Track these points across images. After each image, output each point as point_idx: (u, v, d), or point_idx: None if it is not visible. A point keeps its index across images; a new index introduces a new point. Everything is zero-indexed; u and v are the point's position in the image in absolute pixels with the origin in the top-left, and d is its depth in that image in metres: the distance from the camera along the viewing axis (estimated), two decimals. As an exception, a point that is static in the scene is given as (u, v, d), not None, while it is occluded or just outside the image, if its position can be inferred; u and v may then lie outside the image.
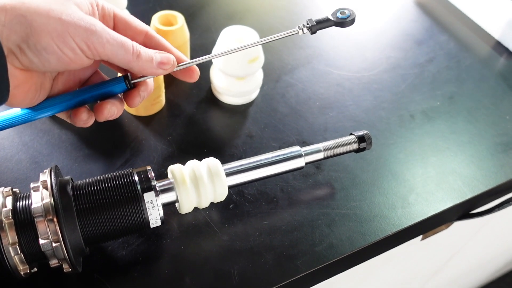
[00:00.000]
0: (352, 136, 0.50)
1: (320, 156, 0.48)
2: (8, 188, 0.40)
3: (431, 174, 0.55)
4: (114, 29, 0.41)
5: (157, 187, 0.42)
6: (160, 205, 0.41)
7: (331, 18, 0.42)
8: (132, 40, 0.39)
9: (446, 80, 0.68)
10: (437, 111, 0.63)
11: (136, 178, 0.41)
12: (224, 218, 0.49)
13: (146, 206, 0.41)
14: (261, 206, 0.50)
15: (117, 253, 0.45)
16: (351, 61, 0.68)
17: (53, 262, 0.38)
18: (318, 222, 0.49)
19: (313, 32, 0.42)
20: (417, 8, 0.80)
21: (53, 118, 0.56)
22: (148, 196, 0.41)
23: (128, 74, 0.42)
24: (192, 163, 0.44)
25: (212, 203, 0.49)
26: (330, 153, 0.49)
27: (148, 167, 0.43)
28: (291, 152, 0.47)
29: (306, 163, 0.48)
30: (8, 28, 0.34)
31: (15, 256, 0.37)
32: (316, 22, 0.42)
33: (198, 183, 0.43)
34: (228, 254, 0.46)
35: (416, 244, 0.65)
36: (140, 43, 0.40)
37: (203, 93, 0.61)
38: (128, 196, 0.40)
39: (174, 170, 0.43)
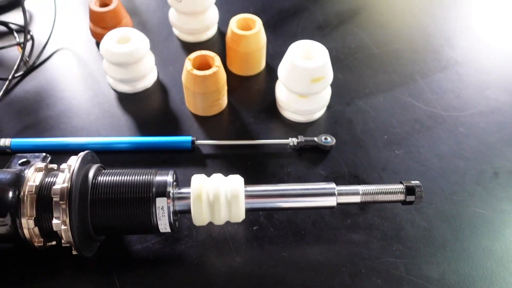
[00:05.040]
0: (401, 186, 0.44)
1: (356, 199, 0.43)
2: (42, 164, 0.43)
3: (496, 252, 0.46)
4: None
5: (172, 194, 0.41)
6: (171, 212, 0.41)
7: (316, 141, 0.54)
8: None
9: (557, 139, 0.56)
10: (532, 174, 0.52)
11: (155, 180, 0.41)
12: (245, 238, 0.47)
13: (156, 211, 0.40)
14: (286, 236, 0.47)
15: (132, 246, 0.46)
16: (441, 95, 0.60)
17: (64, 242, 0.40)
18: (342, 269, 0.44)
19: (300, 148, 0.54)
20: (547, 45, 0.68)
21: (119, 102, 0.59)
22: (160, 202, 0.40)
23: (194, 138, 0.53)
24: (215, 178, 0.43)
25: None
26: (369, 198, 0.43)
27: (171, 171, 0.43)
28: (324, 188, 0.43)
29: (338, 204, 0.43)
30: None
31: (30, 229, 0.40)
32: (304, 140, 0.53)
33: (214, 201, 0.41)
34: (235, 277, 0.44)
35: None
36: None
37: (266, 104, 0.59)
38: (141, 196, 0.40)
39: (194, 181, 0.43)
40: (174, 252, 0.46)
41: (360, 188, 0.44)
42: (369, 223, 0.48)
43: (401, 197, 0.44)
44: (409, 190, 0.43)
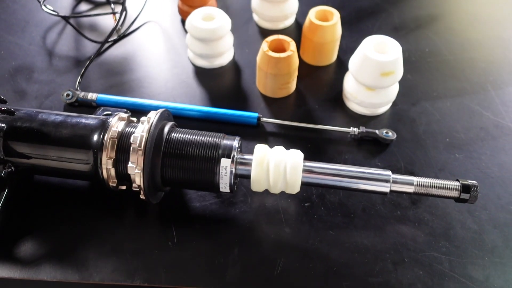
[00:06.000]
0: (456, 183, 0.44)
1: (409, 189, 0.45)
2: (125, 115, 0.48)
3: (548, 263, 0.45)
4: None
5: (236, 158, 0.45)
6: (233, 173, 0.44)
7: (377, 133, 0.55)
8: None
9: None
10: None
11: (222, 142, 0.45)
12: (296, 213, 0.49)
13: (220, 170, 0.44)
14: (335, 217, 0.49)
15: (192, 202, 0.50)
16: None
17: (134, 186, 0.45)
18: (386, 256, 0.46)
19: (360, 138, 0.56)
20: None
21: (196, 75, 0.64)
22: (224, 162, 0.44)
23: (260, 115, 0.56)
24: (278, 150, 0.46)
25: (290, 196, 0.50)
26: (422, 190, 0.44)
27: (238, 138, 0.46)
28: (379, 174, 0.45)
29: (391, 191, 0.45)
30: None
31: (108, 169, 0.44)
32: (366, 131, 0.55)
33: (274, 169, 0.44)
34: (281, 245, 0.46)
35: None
36: None
37: (333, 94, 0.61)
38: (208, 155, 0.44)
39: (258, 149, 0.46)
40: (228, 214, 0.49)
41: (416, 179, 0.45)
42: (419, 218, 0.49)
43: (455, 193, 0.44)
44: (465, 188, 0.44)
